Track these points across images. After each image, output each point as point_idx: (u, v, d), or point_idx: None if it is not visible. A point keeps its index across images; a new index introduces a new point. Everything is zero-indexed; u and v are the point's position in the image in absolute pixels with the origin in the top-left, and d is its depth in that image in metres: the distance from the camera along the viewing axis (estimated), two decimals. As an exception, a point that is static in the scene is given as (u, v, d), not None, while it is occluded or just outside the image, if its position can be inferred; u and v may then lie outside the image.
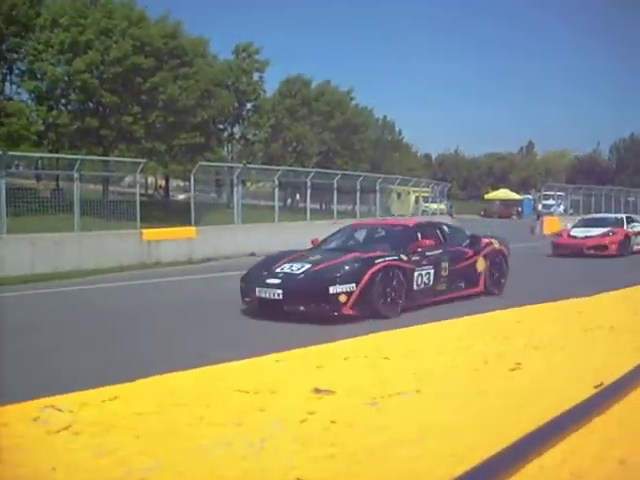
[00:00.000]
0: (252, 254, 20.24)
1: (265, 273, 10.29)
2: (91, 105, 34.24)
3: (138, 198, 20.64)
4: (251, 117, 47.25)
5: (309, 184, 26.53)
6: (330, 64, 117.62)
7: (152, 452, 2.53)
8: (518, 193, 70.61)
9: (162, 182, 48.55)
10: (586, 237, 21.25)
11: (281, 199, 27.64)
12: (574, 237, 21.51)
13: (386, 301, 9.86)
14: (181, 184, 50.40)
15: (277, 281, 9.90)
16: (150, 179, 49.44)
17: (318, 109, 49.77)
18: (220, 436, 2.70)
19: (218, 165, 30.61)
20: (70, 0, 34.20)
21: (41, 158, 29.05)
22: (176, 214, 26.98)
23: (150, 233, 19.64)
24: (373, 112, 61.05)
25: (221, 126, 45.77)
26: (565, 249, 21.12)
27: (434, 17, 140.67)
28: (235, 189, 23.96)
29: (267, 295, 9.83)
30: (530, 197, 64.20)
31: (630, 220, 22.94)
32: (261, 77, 46.59)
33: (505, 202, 65.62)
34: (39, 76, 32.69)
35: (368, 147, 55.95)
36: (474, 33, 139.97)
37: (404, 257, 10.45)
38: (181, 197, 34.07)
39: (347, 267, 9.86)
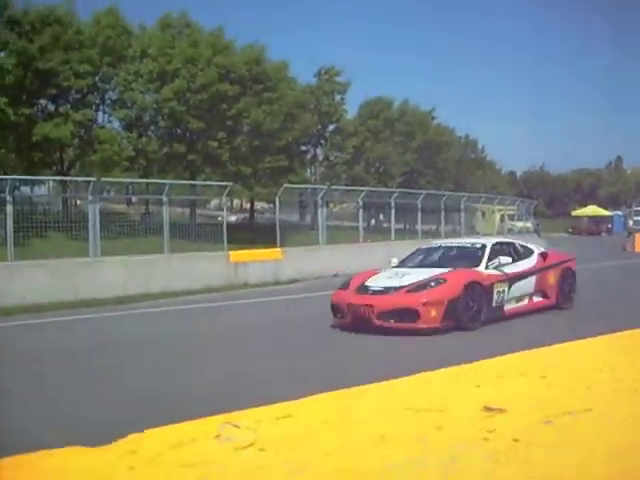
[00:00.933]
0: (336, 275, 20.30)
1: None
2: (178, 131, 35.21)
3: (225, 220, 21.04)
4: (333, 139, 47.54)
5: (393, 204, 26.49)
6: (409, 84, 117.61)
7: (346, 469, 2.53)
8: (607, 209, 68.59)
9: (247, 205, 49.34)
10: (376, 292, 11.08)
11: (365, 219, 27.65)
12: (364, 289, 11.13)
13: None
14: (266, 206, 51.10)
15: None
16: (236, 202, 50.30)
17: (400, 130, 49.73)
18: (407, 455, 2.68)
19: (302, 187, 30.91)
20: (158, 31, 35.41)
21: (131, 183, 30.05)
22: (262, 236, 27.34)
23: (237, 255, 19.96)
24: (455, 131, 60.65)
25: (304, 148, 46.19)
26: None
27: (516, 32, 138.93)
28: (319, 210, 24.12)
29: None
30: (620, 213, 62.28)
31: (497, 251, 12.13)
32: (342, 99, 46.90)
33: (594, 219, 63.83)
34: (129, 104, 33.84)
35: (451, 166, 55.50)
36: (557, 46, 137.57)
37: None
38: (233, 218, 33.95)
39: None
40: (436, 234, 30.08)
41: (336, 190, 30.98)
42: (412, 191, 30.83)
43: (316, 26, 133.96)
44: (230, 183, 23.31)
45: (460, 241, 14.20)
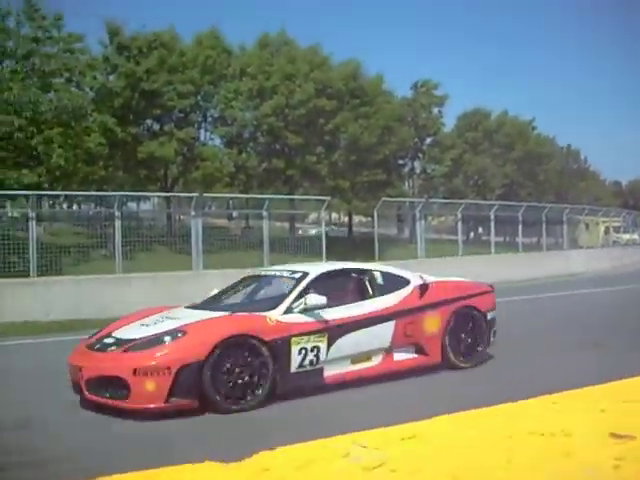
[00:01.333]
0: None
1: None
2: (277, 147, 35.81)
3: (324, 234, 21.19)
4: (431, 152, 47.24)
5: (492, 217, 26.04)
6: (507, 94, 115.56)
7: None
8: None
9: (345, 218, 49.56)
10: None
11: (464, 233, 27.29)
12: None
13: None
14: (363, 220, 51.15)
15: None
16: (334, 215, 50.60)
17: (499, 141, 48.93)
18: None
19: (400, 200, 30.79)
20: (257, 50, 36.20)
21: (232, 198, 30.71)
22: (359, 249, 27.37)
23: (335, 268, 20.02)
24: (556, 140, 59.17)
25: (401, 161, 46.10)
26: None
27: (616, 39, 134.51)
28: (417, 223, 23.98)
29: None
30: None
31: (322, 285, 8.22)
32: (440, 111, 46.60)
33: None
34: (229, 122, 34.68)
35: (552, 177, 54.15)
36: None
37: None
38: (313, 232, 33.76)
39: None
40: (537, 247, 29.39)
41: (434, 203, 30.74)
42: (512, 203, 30.28)
43: (412, 40, 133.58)
44: (328, 197, 23.49)
45: (282, 269, 9.12)
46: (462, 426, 3.33)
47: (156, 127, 33.13)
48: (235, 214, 32.80)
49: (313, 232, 26.99)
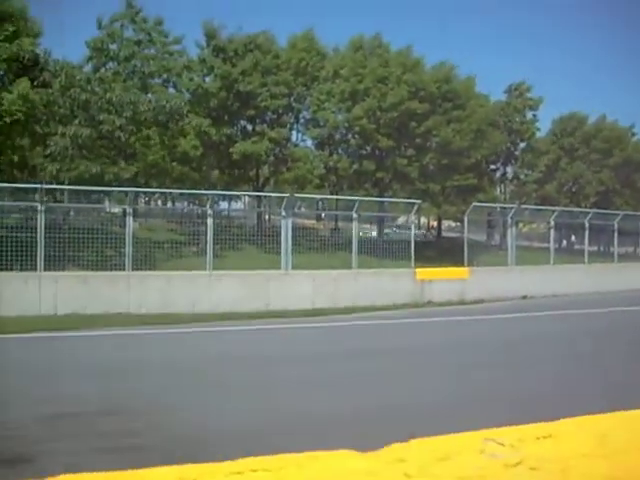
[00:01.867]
0: (524, 297, 19.70)
1: None
2: (368, 149, 35.81)
3: (413, 238, 21.07)
4: (524, 157, 46.28)
5: (587, 225, 25.29)
6: (606, 98, 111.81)
7: None
8: None
9: (434, 222, 49.16)
10: None
11: (556, 241, 26.60)
12: None
13: None
14: (453, 224, 50.59)
15: None
16: (422, 219, 50.24)
17: (596, 147, 47.42)
18: None
19: (491, 206, 30.33)
20: (351, 52, 36.31)
21: (322, 199, 30.93)
22: (448, 254, 27.08)
23: (423, 272, 19.91)
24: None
25: (493, 166, 45.37)
26: None
27: None
28: (509, 230, 23.54)
29: None
30: None
31: None
32: (534, 115, 45.59)
33: None
34: (321, 124, 34.91)
35: (652, 185, 52.00)
36: None
37: None
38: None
39: None
40: (634, 257, 28.36)
41: (526, 209, 30.07)
42: (608, 212, 29.25)
43: (504, 42, 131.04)
44: (419, 201, 23.35)
45: None
46: (596, 430, 3.21)
47: (249, 128, 33.66)
48: (324, 215, 33.03)
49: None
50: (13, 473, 4.88)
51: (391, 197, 32.83)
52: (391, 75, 34.10)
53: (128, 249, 17.17)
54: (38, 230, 16.43)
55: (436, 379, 8.75)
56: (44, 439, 6.15)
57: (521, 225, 31.48)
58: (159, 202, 36.44)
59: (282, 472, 2.34)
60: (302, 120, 36.39)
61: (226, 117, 32.06)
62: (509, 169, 47.67)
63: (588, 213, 26.63)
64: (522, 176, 47.78)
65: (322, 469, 2.41)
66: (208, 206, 18.44)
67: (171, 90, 29.37)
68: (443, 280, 20.09)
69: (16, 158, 24.06)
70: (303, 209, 33.32)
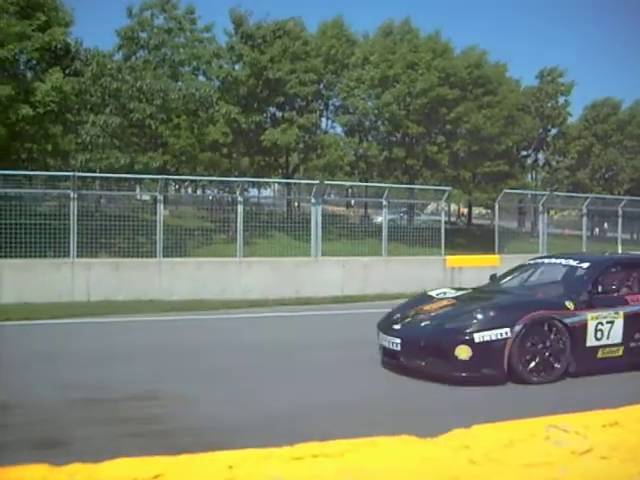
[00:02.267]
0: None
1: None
2: (398, 136, 35.61)
3: (443, 225, 20.97)
4: (556, 143, 45.73)
5: (620, 213, 24.94)
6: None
7: None
8: None
9: (464, 209, 48.85)
10: None
11: (588, 228, 26.26)
12: None
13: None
14: (483, 212, 50.24)
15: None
16: (453, 206, 49.95)
17: (630, 133, 46.64)
18: None
19: (523, 192, 30.06)
20: (380, 38, 36.08)
21: (351, 186, 30.85)
22: (478, 241, 26.93)
23: (453, 260, 19.82)
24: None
25: (525, 153, 44.91)
26: None
27: None
28: (540, 217, 23.31)
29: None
30: None
31: None
32: (566, 101, 44.97)
33: None
34: (351, 110, 34.79)
35: (688, 172, 51.12)
36: None
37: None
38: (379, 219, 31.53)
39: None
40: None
41: (558, 196, 29.72)
42: (643, 199, 28.80)
43: (538, 27, 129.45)
44: (449, 187, 23.21)
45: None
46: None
47: (278, 115, 33.66)
48: (354, 202, 32.96)
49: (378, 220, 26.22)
50: (46, 455, 4.95)
51: (421, 184, 32.68)
52: (421, 61, 33.82)
53: (159, 236, 17.32)
54: (71, 217, 16.63)
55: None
56: (76, 424, 6.24)
57: (552, 212, 31.14)
58: (189, 189, 36.66)
59: (343, 458, 2.34)
60: (331, 107, 36.31)
61: (255, 104, 32.05)
62: (540, 155, 47.12)
63: (621, 200, 26.25)
64: (554, 163, 47.20)
65: (382, 454, 2.40)
66: (238, 193, 18.52)
67: (201, 78, 29.42)
68: (473, 267, 19.95)
69: (49, 146, 24.33)
70: (333, 196, 33.19)
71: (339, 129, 36.41)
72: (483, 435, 2.66)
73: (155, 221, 17.63)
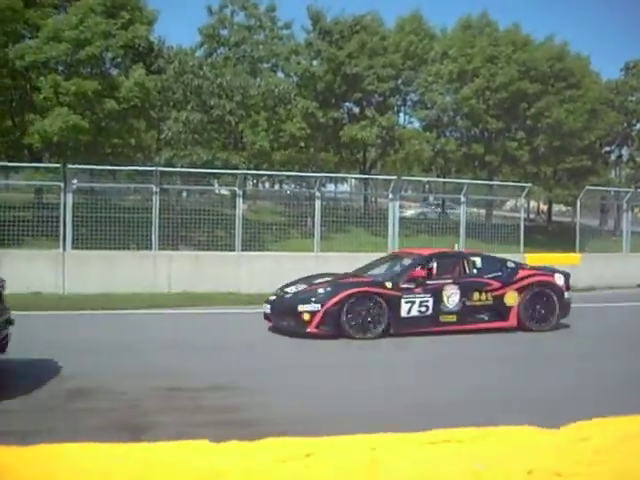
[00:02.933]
0: (639, 285, 19.00)
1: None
2: (476, 131, 35.15)
3: (522, 222, 20.63)
4: (641, 138, 44.23)
5: None
6: None
7: None
8: None
9: (544, 206, 47.84)
10: None
11: (675, 226, 25.35)
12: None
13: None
14: (563, 209, 49.09)
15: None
16: (532, 203, 48.99)
17: None
18: None
19: (606, 189, 29.25)
20: (459, 32, 35.65)
21: (429, 182, 30.62)
22: (558, 239, 26.36)
23: (533, 258, 19.45)
24: None
25: (608, 148, 43.63)
26: None
27: None
28: (624, 215, 22.66)
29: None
30: None
31: None
32: (652, 95, 43.38)
33: None
34: (429, 105, 34.49)
35: None
36: None
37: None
38: (409, 213, 30.41)
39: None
40: None
41: (643, 193, 28.80)
42: None
43: (617, 18, 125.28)
44: (529, 184, 22.79)
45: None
46: None
47: (355, 110, 33.64)
48: (431, 198, 32.72)
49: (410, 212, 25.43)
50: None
51: (500, 180, 32.14)
52: (501, 54, 33.28)
53: (238, 230, 17.61)
54: (153, 211, 17.08)
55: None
56: (158, 410, 6.44)
57: (637, 210, 30.20)
58: (266, 184, 37.07)
59: (473, 444, 2.42)
60: (409, 102, 36.07)
61: (333, 100, 32.12)
62: (624, 151, 45.68)
63: None
64: (639, 159, 45.71)
65: (506, 443, 2.47)
66: (316, 188, 18.64)
67: (279, 74, 29.72)
68: (553, 266, 19.55)
69: (133, 140, 25.02)
70: (410, 192, 33.02)
71: (417, 124, 36.19)
72: (603, 427, 2.67)
73: (234, 215, 17.92)
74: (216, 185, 24.67)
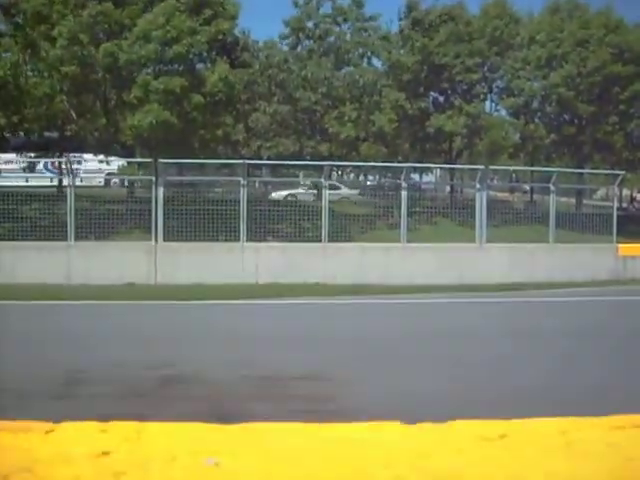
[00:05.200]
0: None
1: None
2: (566, 117, 34.16)
3: (615, 211, 20.02)
4: None
5: None
6: None
7: None
8: None
9: (638, 194, 46.18)
10: None
11: None
12: None
13: None
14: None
15: None
16: (625, 191, 47.36)
17: None
18: None
19: None
20: (547, 16, 34.67)
21: (516, 171, 30.00)
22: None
23: (626, 248, 18.88)
24: None
25: None
26: None
27: None
28: None
29: None
30: None
31: None
32: None
33: None
34: (516, 92, 33.71)
35: None
36: None
37: None
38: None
39: None
40: None
41: None
42: None
43: None
44: (623, 172, 22.05)
45: None
46: None
47: (441, 100, 33.21)
48: (518, 187, 32.08)
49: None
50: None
51: (592, 168, 31.20)
52: (592, 37, 32.17)
53: (324, 221, 17.72)
54: (241, 203, 17.39)
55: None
56: (251, 398, 6.59)
57: None
58: (351, 175, 37.13)
59: None
60: (496, 89, 35.35)
61: (420, 90, 31.81)
62: None
63: None
64: None
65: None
66: (402, 179, 18.57)
67: (367, 65, 29.65)
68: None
69: (220, 134, 25.45)
70: (496, 181, 32.48)
71: (503, 112, 35.44)
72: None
73: (319, 207, 18.04)
74: (301, 177, 24.90)
